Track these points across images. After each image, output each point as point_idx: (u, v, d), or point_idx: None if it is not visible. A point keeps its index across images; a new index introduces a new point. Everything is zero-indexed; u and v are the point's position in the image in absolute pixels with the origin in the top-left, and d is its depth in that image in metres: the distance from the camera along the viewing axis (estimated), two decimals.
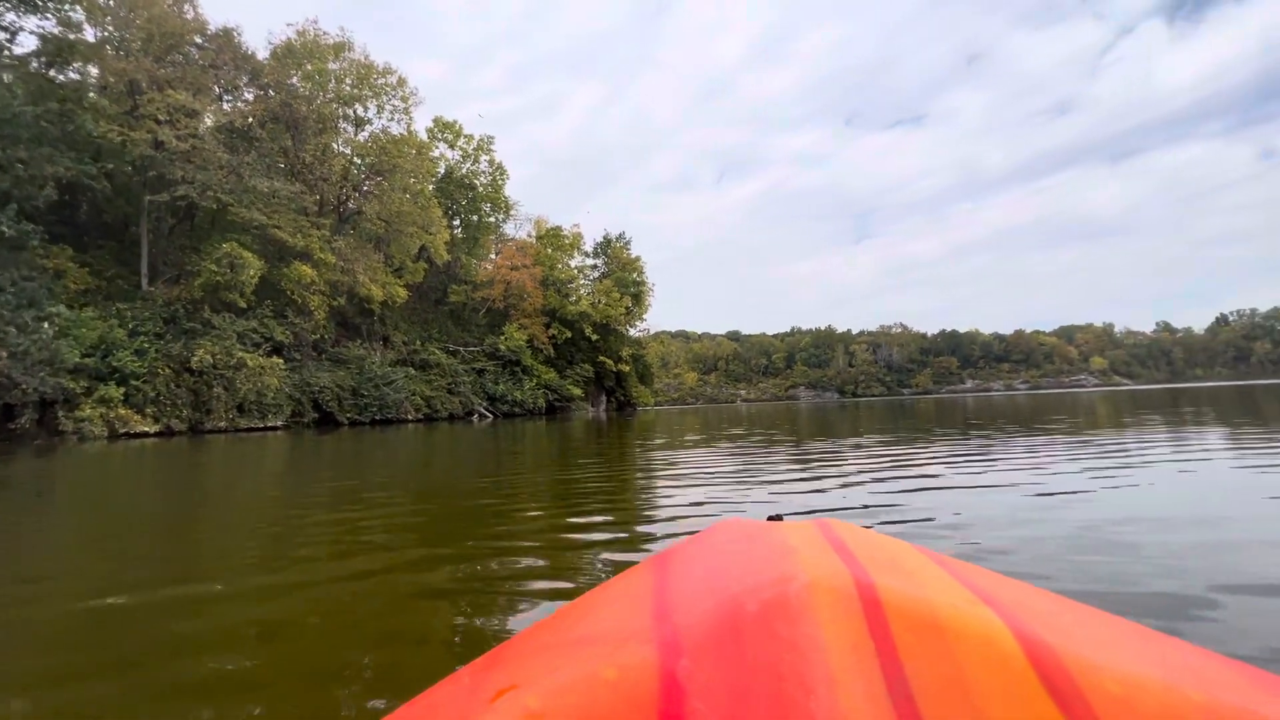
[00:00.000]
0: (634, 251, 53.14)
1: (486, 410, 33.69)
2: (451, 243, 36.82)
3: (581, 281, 50.41)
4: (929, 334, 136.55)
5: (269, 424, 22.71)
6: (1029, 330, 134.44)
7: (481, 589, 2.00)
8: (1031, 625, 0.50)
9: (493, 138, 40.62)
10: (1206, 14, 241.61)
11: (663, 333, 71.24)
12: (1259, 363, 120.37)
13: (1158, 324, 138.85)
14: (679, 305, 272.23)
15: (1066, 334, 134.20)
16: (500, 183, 41.50)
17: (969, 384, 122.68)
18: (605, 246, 53.32)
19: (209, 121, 23.84)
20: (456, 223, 41.32)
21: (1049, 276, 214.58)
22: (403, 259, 31.96)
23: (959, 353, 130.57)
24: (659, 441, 8.91)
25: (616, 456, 6.95)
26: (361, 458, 8.33)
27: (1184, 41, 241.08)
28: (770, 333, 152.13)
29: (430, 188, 35.36)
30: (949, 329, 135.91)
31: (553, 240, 46.61)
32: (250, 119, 25.69)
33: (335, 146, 29.25)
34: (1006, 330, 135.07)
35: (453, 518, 3.42)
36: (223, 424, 21.48)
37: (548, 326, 41.90)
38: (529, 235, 47.35)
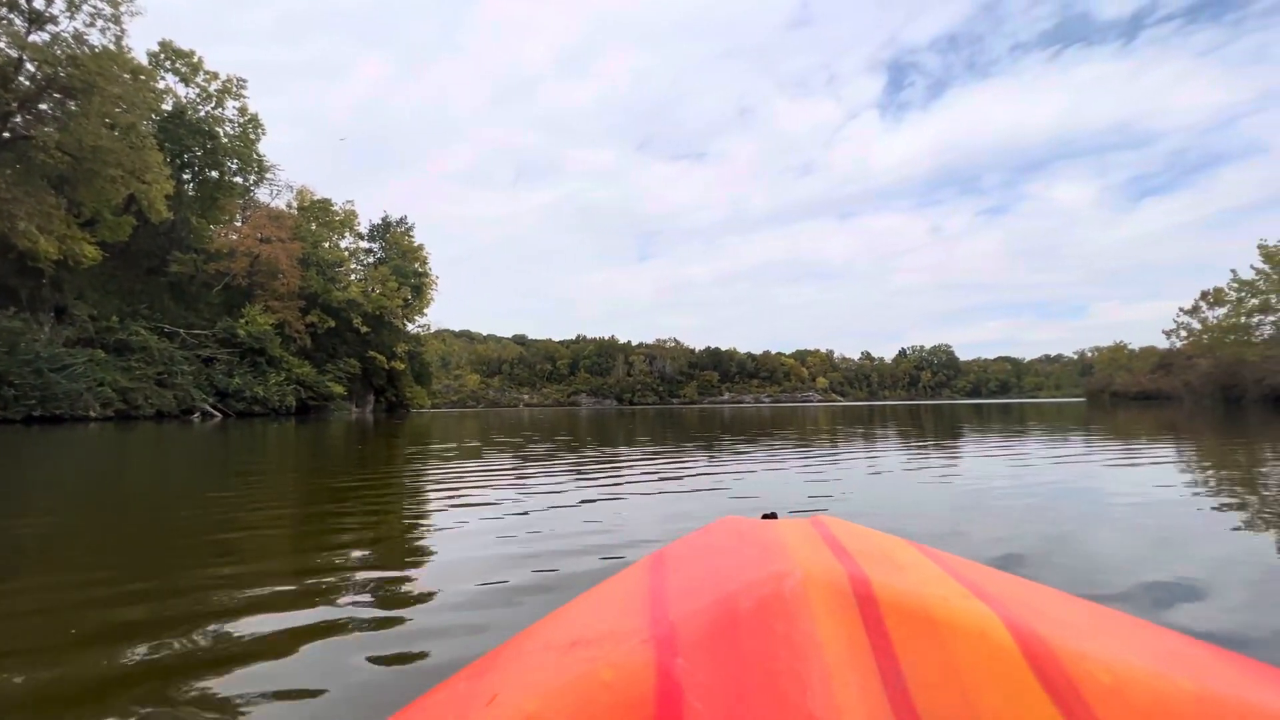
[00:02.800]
0: (418, 239, 48.99)
1: (214, 408, 27.59)
2: (178, 199, 29.58)
3: (353, 266, 44.78)
4: (696, 349, 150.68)
5: None
6: (774, 351, 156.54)
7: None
8: (1024, 618, 0.50)
9: (245, 81, 33.72)
10: (906, 115, 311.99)
11: (445, 331, 66.60)
12: (924, 387, 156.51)
13: (862, 353, 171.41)
14: (466, 304, 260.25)
15: (801, 357, 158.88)
16: (253, 137, 34.60)
17: (726, 396, 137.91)
18: (384, 230, 48.21)
19: None
20: (186, 176, 33.44)
21: (791, 307, 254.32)
22: (99, 209, 24.67)
23: (720, 368, 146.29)
24: (413, 451, 7.74)
25: (357, 469, 5.71)
26: None
27: (889, 135, 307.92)
28: (557, 338, 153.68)
29: (149, 125, 28.02)
30: (713, 346, 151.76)
31: (319, 214, 40.55)
32: None
33: None
34: (758, 350, 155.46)
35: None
36: None
37: (305, 313, 36.13)
38: (289, 205, 40.53)
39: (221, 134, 33.33)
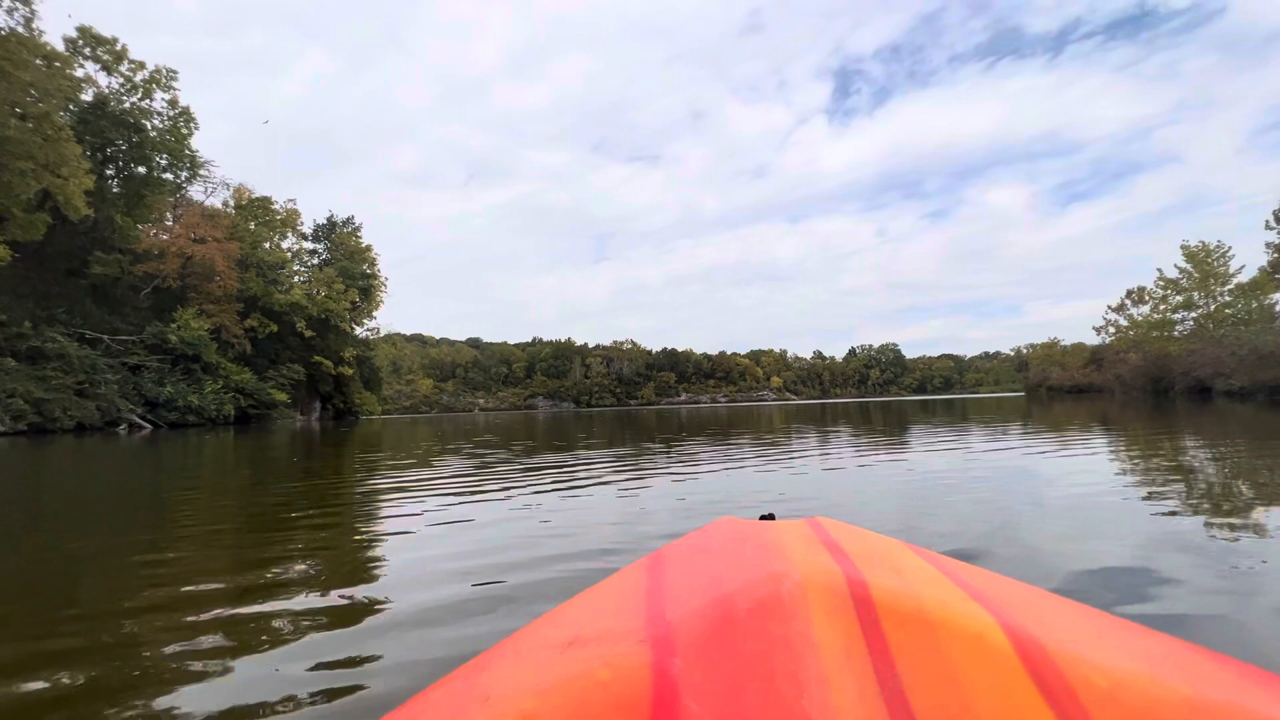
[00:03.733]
0: (365, 240, 47.29)
1: (143, 419, 25.79)
2: (100, 195, 27.56)
3: (296, 267, 42.88)
4: (653, 351, 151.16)
5: None
6: (730, 352, 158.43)
7: None
8: (1020, 621, 0.50)
9: (175, 72, 31.74)
10: (852, 122, 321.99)
11: (396, 334, 64.33)
12: (874, 384, 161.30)
13: (814, 353, 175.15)
14: (417, 306, 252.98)
15: (755, 357, 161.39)
16: (185, 132, 32.57)
17: (683, 397, 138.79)
18: (329, 230, 46.39)
19: None
20: (110, 171, 31.22)
21: (745, 308, 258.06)
22: (7, 205, 22.71)
23: (677, 369, 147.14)
24: (360, 460, 7.27)
25: (300, 480, 5.26)
26: None
27: (837, 140, 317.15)
28: (512, 341, 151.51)
29: (66, 116, 26.01)
30: (670, 347, 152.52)
31: (259, 213, 38.61)
32: None
33: None
34: (714, 351, 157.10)
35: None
36: None
37: (244, 316, 34.30)
38: (226, 204, 38.40)
39: (149, 127, 31.25)
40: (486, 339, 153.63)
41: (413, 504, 3.82)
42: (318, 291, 40.70)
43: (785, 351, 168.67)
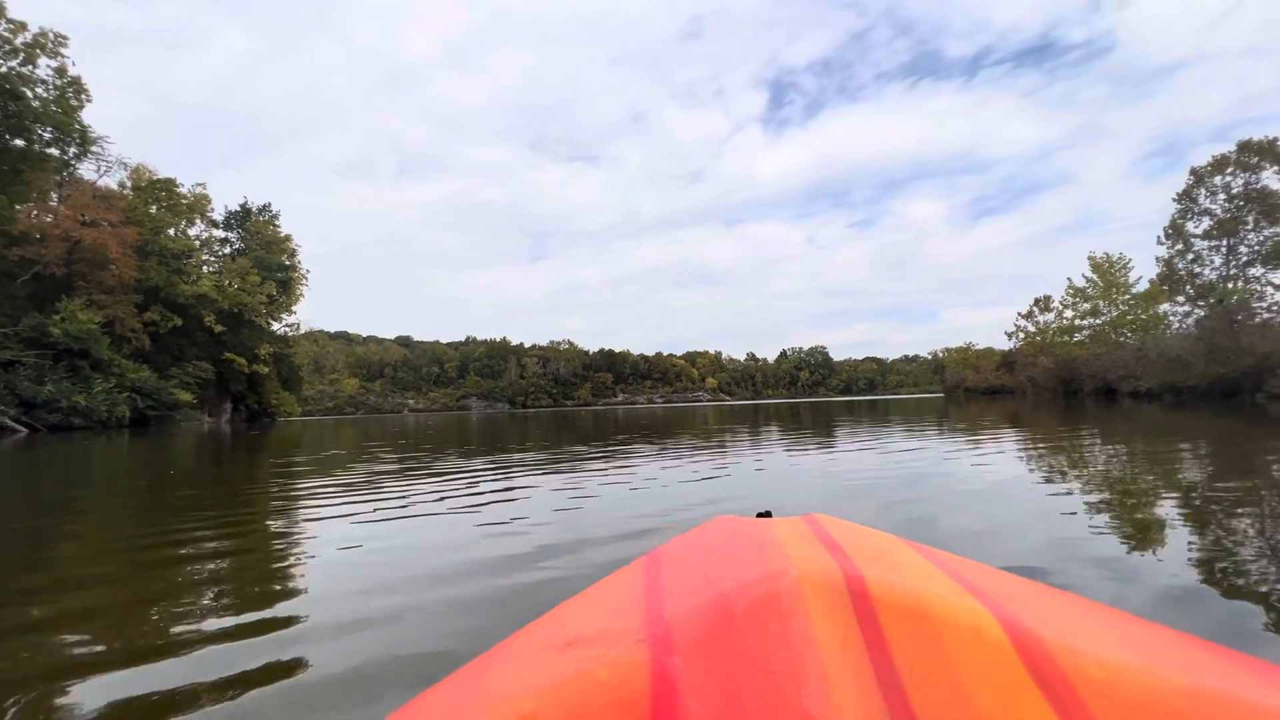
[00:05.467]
0: (284, 229, 44.20)
1: (18, 421, 22.86)
2: None
3: (206, 257, 39.56)
4: (590, 351, 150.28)
5: None
6: (666, 353, 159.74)
7: None
8: (1017, 614, 0.51)
9: (65, 38, 28.41)
10: (786, 131, 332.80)
11: (319, 331, 60.27)
12: (803, 385, 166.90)
13: (748, 354, 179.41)
14: (343, 303, 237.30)
15: (691, 358, 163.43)
16: (74, 104, 29.22)
17: (620, 397, 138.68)
18: (243, 218, 43.11)
19: None
20: None
21: (681, 310, 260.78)
22: None
23: (614, 369, 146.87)
24: (269, 468, 6.49)
25: (198, 490, 4.52)
26: None
27: (771, 149, 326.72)
28: (445, 340, 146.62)
29: None
30: (607, 348, 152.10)
31: (161, 196, 35.26)
32: None
33: None
34: (650, 352, 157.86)
35: None
36: None
37: (143, 309, 31.22)
38: (123, 185, 34.80)
39: (30, 96, 27.82)
40: (418, 337, 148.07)
41: (332, 514, 3.47)
42: (229, 283, 37.66)
43: (720, 353, 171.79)
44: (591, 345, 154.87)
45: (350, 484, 4.89)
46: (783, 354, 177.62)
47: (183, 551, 2.72)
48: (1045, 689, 0.44)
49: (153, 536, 3.10)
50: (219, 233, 41.87)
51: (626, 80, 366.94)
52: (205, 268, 38.83)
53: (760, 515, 0.92)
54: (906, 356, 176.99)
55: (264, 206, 44.42)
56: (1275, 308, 23.01)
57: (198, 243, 38.75)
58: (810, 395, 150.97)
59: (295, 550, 2.74)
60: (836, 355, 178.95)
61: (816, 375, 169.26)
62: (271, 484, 5.26)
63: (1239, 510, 2.83)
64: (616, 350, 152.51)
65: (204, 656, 1.52)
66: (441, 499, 3.95)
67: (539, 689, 0.47)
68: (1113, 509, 3.00)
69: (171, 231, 35.80)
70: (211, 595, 2.05)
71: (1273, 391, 16.85)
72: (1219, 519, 2.67)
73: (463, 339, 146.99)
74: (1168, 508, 2.97)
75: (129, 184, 34.94)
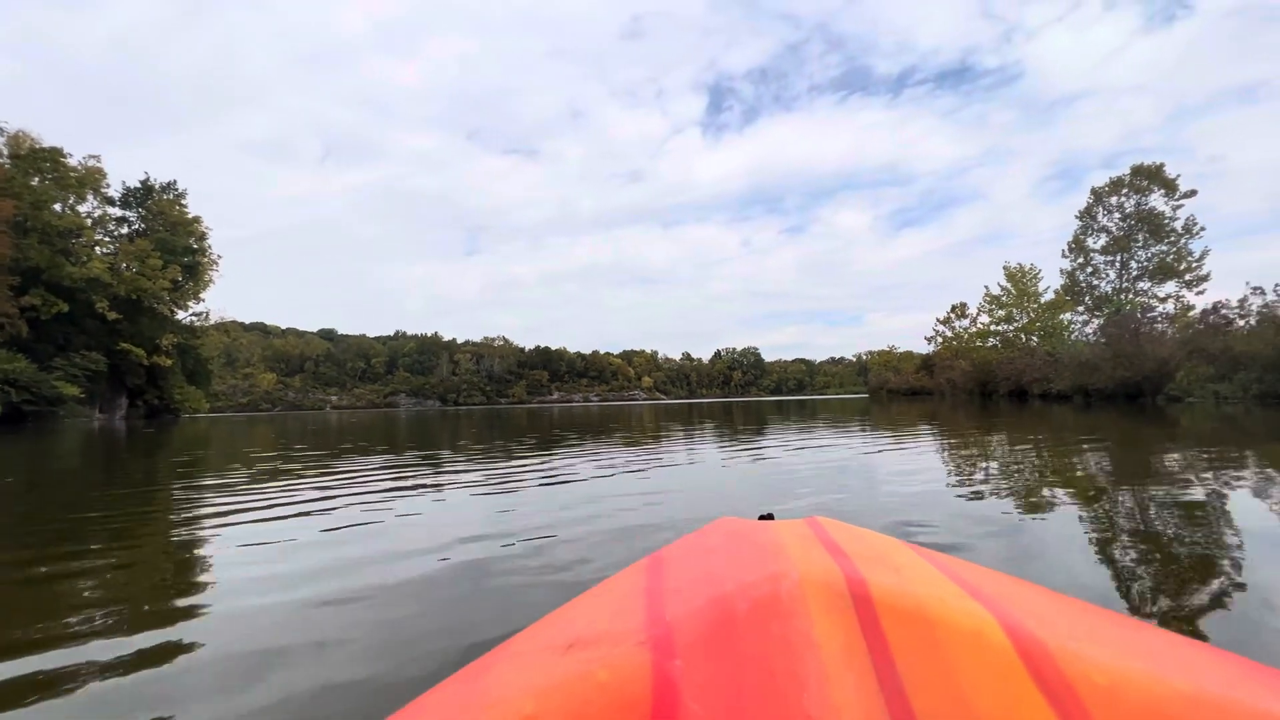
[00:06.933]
0: (193, 210, 40.69)
1: None
2: None
3: (99, 236, 35.87)
4: (526, 348, 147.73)
5: None
6: (603, 351, 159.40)
7: None
8: (1019, 618, 0.51)
9: None
10: (723, 136, 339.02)
11: (231, 322, 55.66)
12: (736, 385, 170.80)
13: (683, 354, 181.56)
14: (260, 292, 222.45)
15: (627, 357, 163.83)
16: None
17: (555, 395, 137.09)
18: (144, 195, 39.40)
19: None
20: None
21: (618, 309, 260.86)
22: None
23: (550, 367, 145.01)
24: (158, 473, 5.76)
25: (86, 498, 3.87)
26: None
27: (709, 152, 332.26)
28: (372, 334, 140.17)
29: None
30: (543, 345, 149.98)
31: (45, 166, 31.64)
32: None
33: None
34: (587, 350, 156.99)
35: None
36: None
37: (20, 292, 27.91)
38: None
39: None
40: (342, 330, 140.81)
41: (233, 524, 3.11)
42: (127, 266, 34.30)
43: (656, 352, 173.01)
44: (527, 342, 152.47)
45: (239, 486, 4.31)
46: (717, 354, 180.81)
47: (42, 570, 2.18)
48: (1048, 694, 0.44)
49: None
50: (116, 211, 38.03)
51: (566, 75, 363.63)
52: (98, 249, 35.17)
53: (762, 517, 0.92)
54: (833, 358, 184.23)
55: (169, 184, 40.73)
56: (1163, 319, 25.32)
57: (89, 221, 35.05)
58: (743, 395, 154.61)
59: (174, 568, 2.27)
60: (768, 356, 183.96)
61: (749, 375, 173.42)
62: (139, 491, 4.57)
63: (1121, 489, 3.40)
64: (553, 348, 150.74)
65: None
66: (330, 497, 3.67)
67: (540, 690, 0.47)
68: (1013, 489, 3.53)
69: (58, 207, 32.21)
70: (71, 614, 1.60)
71: (1170, 394, 18.43)
72: (1102, 497, 3.21)
73: (391, 333, 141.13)
74: (1060, 488, 3.52)
75: (5, 152, 31.13)
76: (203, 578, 2.24)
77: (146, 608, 1.89)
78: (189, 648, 1.56)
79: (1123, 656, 0.47)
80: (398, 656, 1.44)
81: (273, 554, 2.51)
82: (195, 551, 2.63)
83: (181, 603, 1.94)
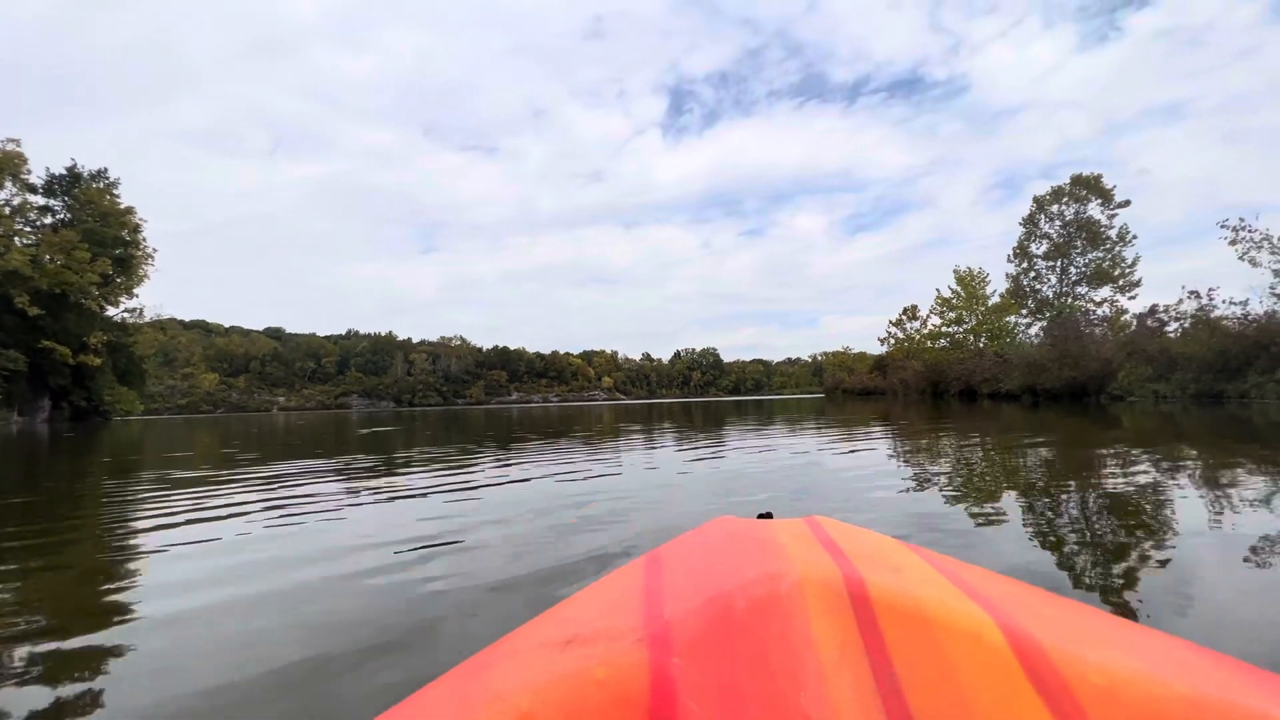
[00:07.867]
0: (125, 201, 38.35)
1: None
2: None
3: (19, 226, 33.42)
4: (484, 348, 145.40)
5: None
6: (563, 351, 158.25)
7: None
8: (1017, 619, 0.51)
9: None
10: (684, 139, 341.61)
11: (169, 319, 52.38)
12: (695, 385, 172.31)
13: (643, 354, 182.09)
14: (202, 289, 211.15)
15: (587, 357, 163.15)
16: None
17: (514, 396, 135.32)
18: (70, 184, 36.91)
19: None
20: None
21: (578, 309, 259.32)
22: None
23: (508, 367, 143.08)
24: (79, 481, 5.31)
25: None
26: None
27: (670, 154, 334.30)
28: (322, 333, 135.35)
29: None
30: (501, 345, 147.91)
31: None
32: None
33: None
34: (546, 350, 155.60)
35: None
36: None
37: None
38: None
39: None
40: (291, 329, 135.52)
41: (169, 539, 2.77)
42: (50, 259, 32.05)
43: (616, 353, 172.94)
44: (486, 342, 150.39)
45: (162, 491, 3.96)
46: (676, 355, 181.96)
47: None
48: (1044, 694, 0.44)
49: None
50: (37, 199, 35.49)
51: (527, 73, 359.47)
52: (18, 239, 32.74)
53: (761, 516, 0.93)
54: (790, 359, 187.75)
55: (99, 172, 38.26)
56: (1100, 322, 26.64)
57: (7, 209, 32.62)
58: (702, 395, 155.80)
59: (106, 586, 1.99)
60: (726, 357, 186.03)
61: (708, 376, 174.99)
62: (98, 497, 4.15)
63: (1064, 482, 3.65)
64: (512, 348, 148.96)
65: None
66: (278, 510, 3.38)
67: (537, 687, 0.47)
68: (960, 482, 3.75)
69: None
70: None
71: (1113, 393, 19.34)
72: (1040, 486, 3.50)
73: (344, 332, 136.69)
74: (1001, 481, 3.76)
75: None
76: (117, 584, 2.06)
77: (59, 619, 1.76)
78: (114, 650, 1.52)
79: (1119, 657, 0.47)
80: (325, 650, 1.46)
81: (197, 554, 2.39)
82: (105, 558, 2.34)
83: (94, 608, 1.81)
